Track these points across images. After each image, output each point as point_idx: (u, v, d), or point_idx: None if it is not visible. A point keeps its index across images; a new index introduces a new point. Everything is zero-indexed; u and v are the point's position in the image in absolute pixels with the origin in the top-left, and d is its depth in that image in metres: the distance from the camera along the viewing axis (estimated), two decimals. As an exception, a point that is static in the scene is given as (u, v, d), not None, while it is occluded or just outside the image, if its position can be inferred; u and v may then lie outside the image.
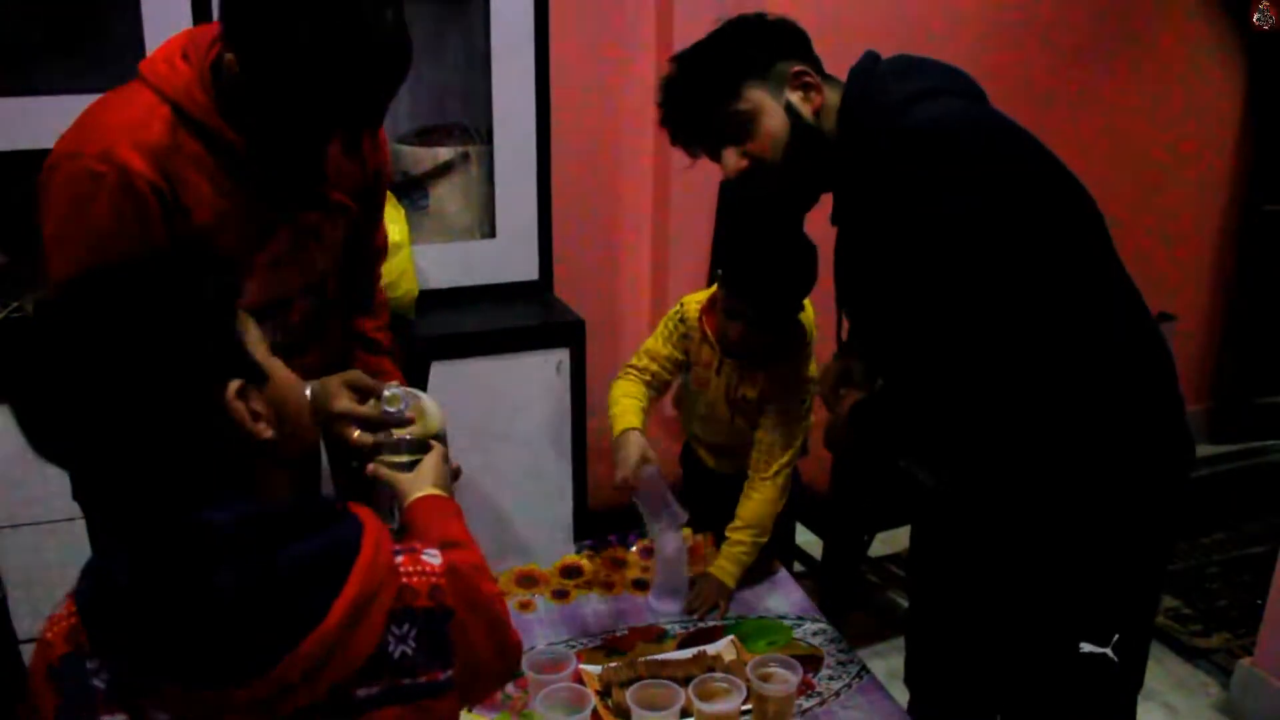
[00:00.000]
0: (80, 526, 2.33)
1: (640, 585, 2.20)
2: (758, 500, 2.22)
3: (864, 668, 1.95)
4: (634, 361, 2.37)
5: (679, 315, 2.32)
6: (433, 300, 2.77)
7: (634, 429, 2.17)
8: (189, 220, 1.54)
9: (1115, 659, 1.58)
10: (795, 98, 1.63)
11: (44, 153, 2.35)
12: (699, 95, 1.65)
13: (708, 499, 2.44)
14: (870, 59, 1.65)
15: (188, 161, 1.53)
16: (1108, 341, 1.55)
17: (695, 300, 2.31)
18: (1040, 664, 1.66)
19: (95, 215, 1.49)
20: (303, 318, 1.76)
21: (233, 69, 1.45)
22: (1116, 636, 1.58)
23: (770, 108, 1.62)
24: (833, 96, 1.64)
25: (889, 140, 1.52)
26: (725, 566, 2.18)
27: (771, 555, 2.31)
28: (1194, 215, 4.13)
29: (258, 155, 1.56)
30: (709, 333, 2.24)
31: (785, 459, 2.22)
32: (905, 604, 2.64)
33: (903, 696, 2.04)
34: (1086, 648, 1.58)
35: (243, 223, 1.59)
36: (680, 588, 2.13)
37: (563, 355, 2.70)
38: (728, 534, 2.21)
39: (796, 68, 1.63)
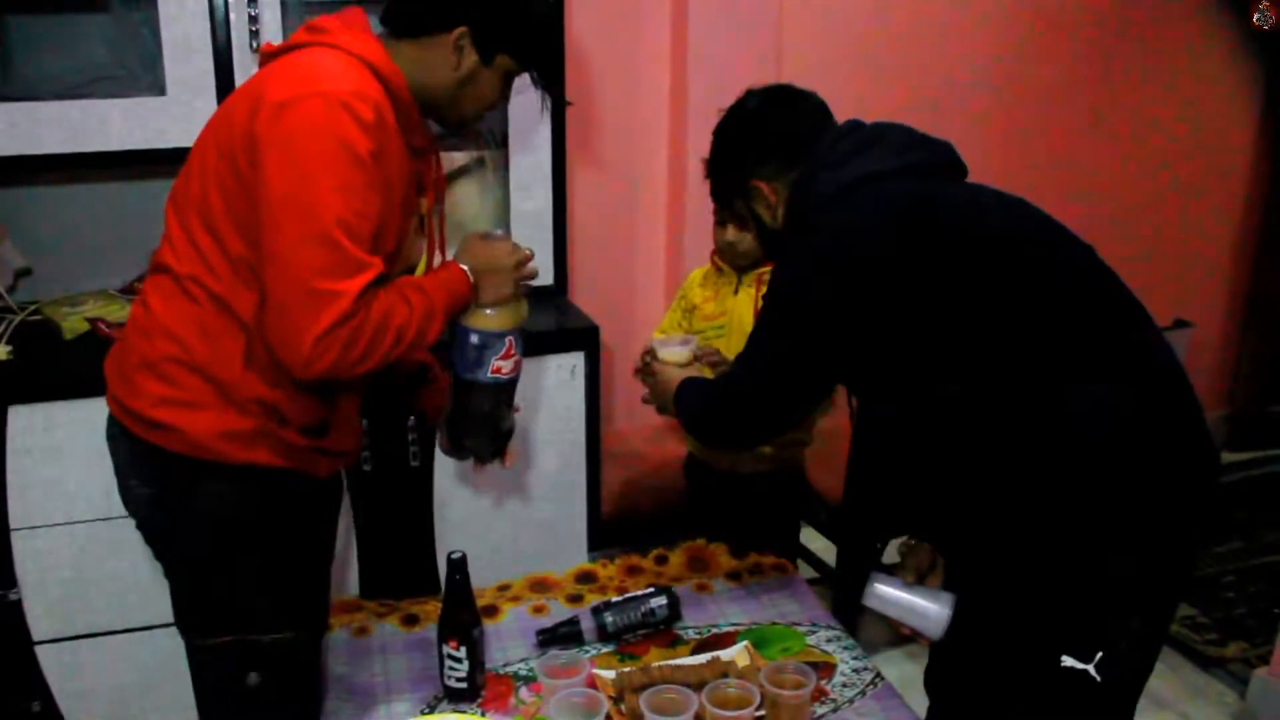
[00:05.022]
0: (94, 529, 2.34)
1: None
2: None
3: (878, 674, 1.95)
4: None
5: (680, 293, 2.51)
6: (448, 305, 2.77)
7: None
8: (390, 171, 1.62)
9: (1097, 677, 1.56)
10: (760, 207, 1.85)
11: (57, 157, 2.38)
12: (721, 195, 1.98)
13: (718, 505, 2.44)
14: (830, 143, 1.75)
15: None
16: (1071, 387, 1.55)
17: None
18: (1027, 675, 1.65)
19: (355, 143, 1.51)
20: None
21: (458, 47, 1.65)
22: (1100, 654, 1.56)
23: (748, 217, 1.90)
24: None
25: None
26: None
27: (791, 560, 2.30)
28: (1211, 222, 4.11)
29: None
30: (720, 264, 2.42)
31: None
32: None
33: (916, 703, 2.02)
34: (1068, 662, 1.57)
35: (411, 194, 1.73)
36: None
37: (577, 360, 2.69)
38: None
39: (754, 180, 1.82)
